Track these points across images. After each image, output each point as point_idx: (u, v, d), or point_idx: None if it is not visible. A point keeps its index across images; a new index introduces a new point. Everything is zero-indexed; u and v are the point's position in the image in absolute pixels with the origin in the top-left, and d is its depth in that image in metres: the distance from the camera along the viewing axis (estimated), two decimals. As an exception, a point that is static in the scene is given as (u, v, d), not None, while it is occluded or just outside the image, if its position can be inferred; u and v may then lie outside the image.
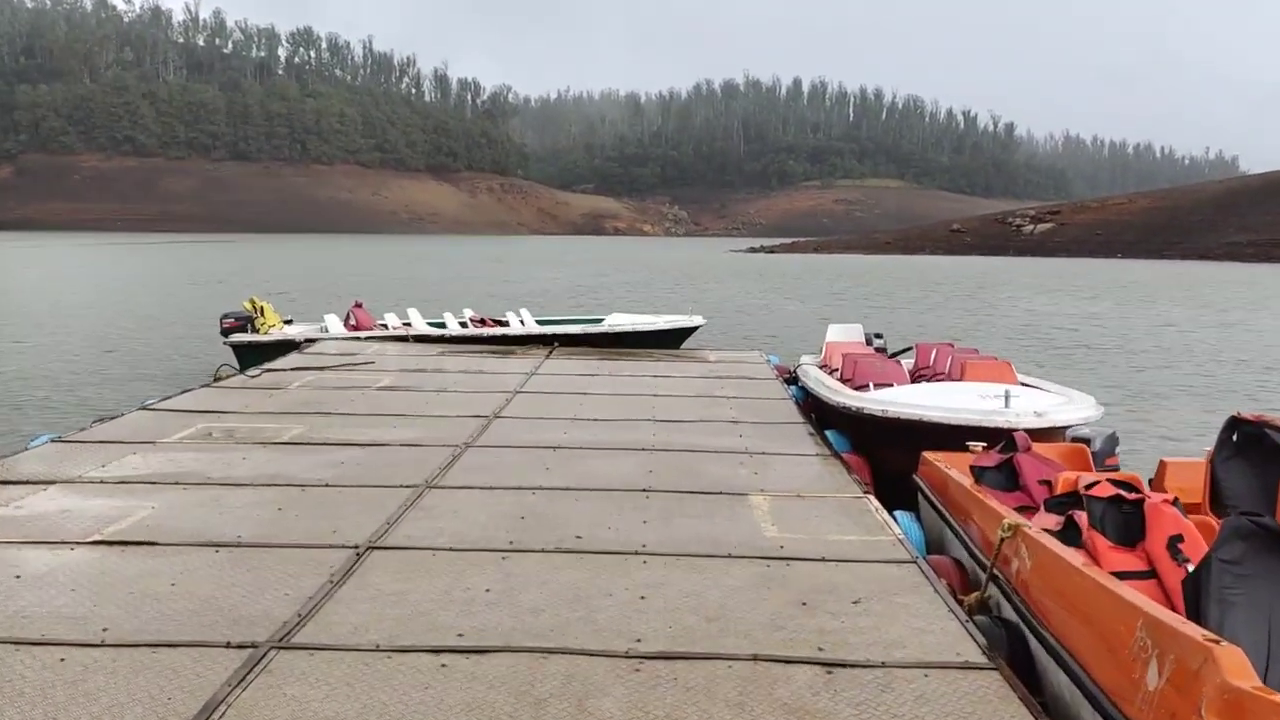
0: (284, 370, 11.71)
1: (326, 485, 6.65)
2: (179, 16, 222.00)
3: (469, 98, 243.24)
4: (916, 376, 10.30)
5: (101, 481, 6.59)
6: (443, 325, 15.84)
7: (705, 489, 6.76)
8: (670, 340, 15.71)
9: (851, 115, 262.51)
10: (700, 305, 22.07)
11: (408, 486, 6.65)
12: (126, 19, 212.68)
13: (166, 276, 47.85)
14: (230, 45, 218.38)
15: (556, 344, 14.81)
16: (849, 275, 56.90)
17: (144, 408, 9.25)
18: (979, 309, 33.87)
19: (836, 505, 6.45)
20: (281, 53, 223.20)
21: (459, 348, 14.51)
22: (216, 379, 11.01)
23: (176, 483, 6.59)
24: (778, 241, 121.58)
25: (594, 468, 7.30)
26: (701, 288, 43.76)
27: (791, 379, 11.90)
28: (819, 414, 9.87)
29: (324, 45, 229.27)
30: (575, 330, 15.72)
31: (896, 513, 6.42)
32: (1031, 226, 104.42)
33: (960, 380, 9.21)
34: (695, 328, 16.43)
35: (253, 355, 14.42)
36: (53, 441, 7.83)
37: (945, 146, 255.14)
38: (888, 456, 7.98)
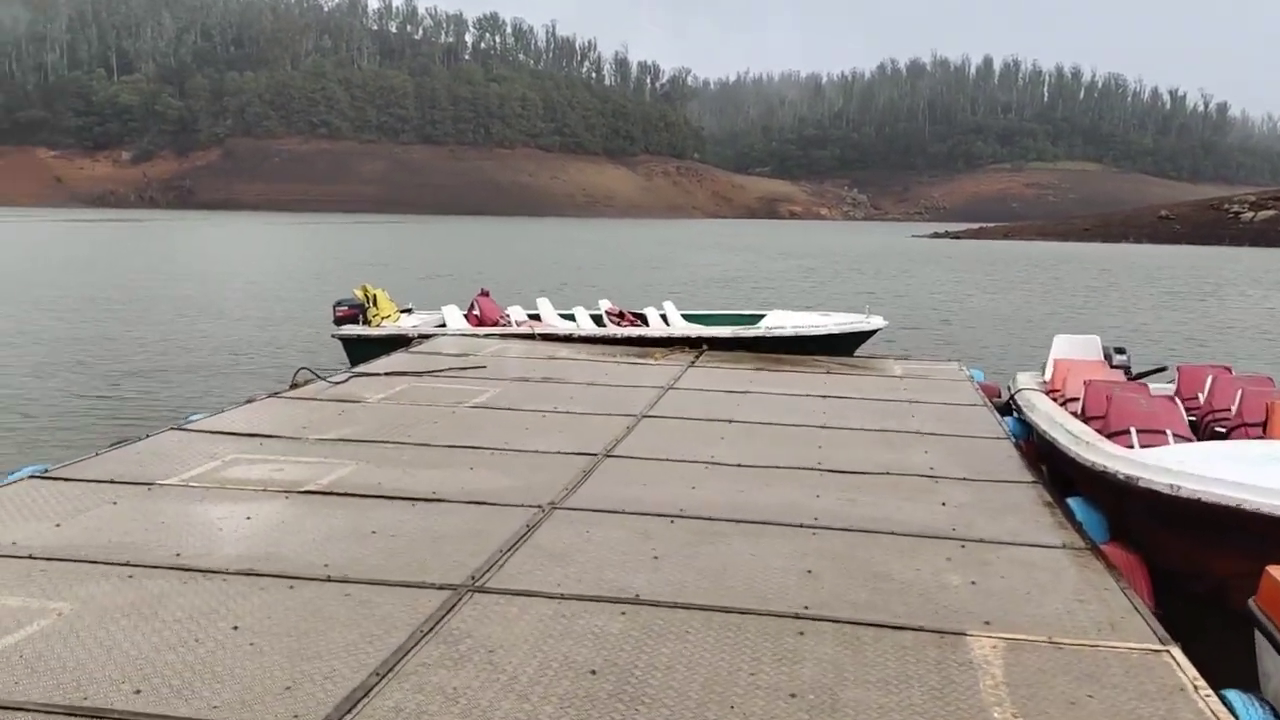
0: (375, 375, 9.78)
1: (326, 579, 4.51)
2: (374, 5, 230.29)
3: (648, 81, 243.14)
4: (1204, 424, 7.42)
5: (12, 557, 4.66)
6: (574, 319, 13.75)
7: (894, 616, 4.28)
8: (843, 345, 13.00)
9: (1046, 95, 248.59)
10: (879, 300, 19.39)
11: (443, 587, 4.44)
12: (326, 8, 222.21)
13: (335, 256, 47.96)
14: (420, 31, 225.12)
15: (705, 347, 12.39)
16: (1045, 265, 52.06)
17: (177, 427, 7.41)
18: (1215, 310, 29.12)
19: (1120, 667, 3.86)
20: (468, 38, 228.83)
21: (589, 348, 12.31)
22: (293, 385, 9.15)
23: (103, 562, 4.59)
24: (963, 227, 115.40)
25: (725, 561, 4.91)
26: (881, 278, 40.31)
27: (1004, 406, 9.15)
28: (1051, 464, 7.17)
29: (509, 30, 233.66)
30: (726, 332, 13.13)
31: (1230, 694, 3.77)
32: (1251, 214, 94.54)
33: (1272, 434, 6.38)
34: (874, 331, 13.65)
35: (361, 349, 12.69)
36: (32, 478, 6.04)
37: (1149, 128, 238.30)
38: (1182, 557, 5.29)
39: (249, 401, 8.48)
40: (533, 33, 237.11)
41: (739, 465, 6.75)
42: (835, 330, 13.12)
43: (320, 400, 8.54)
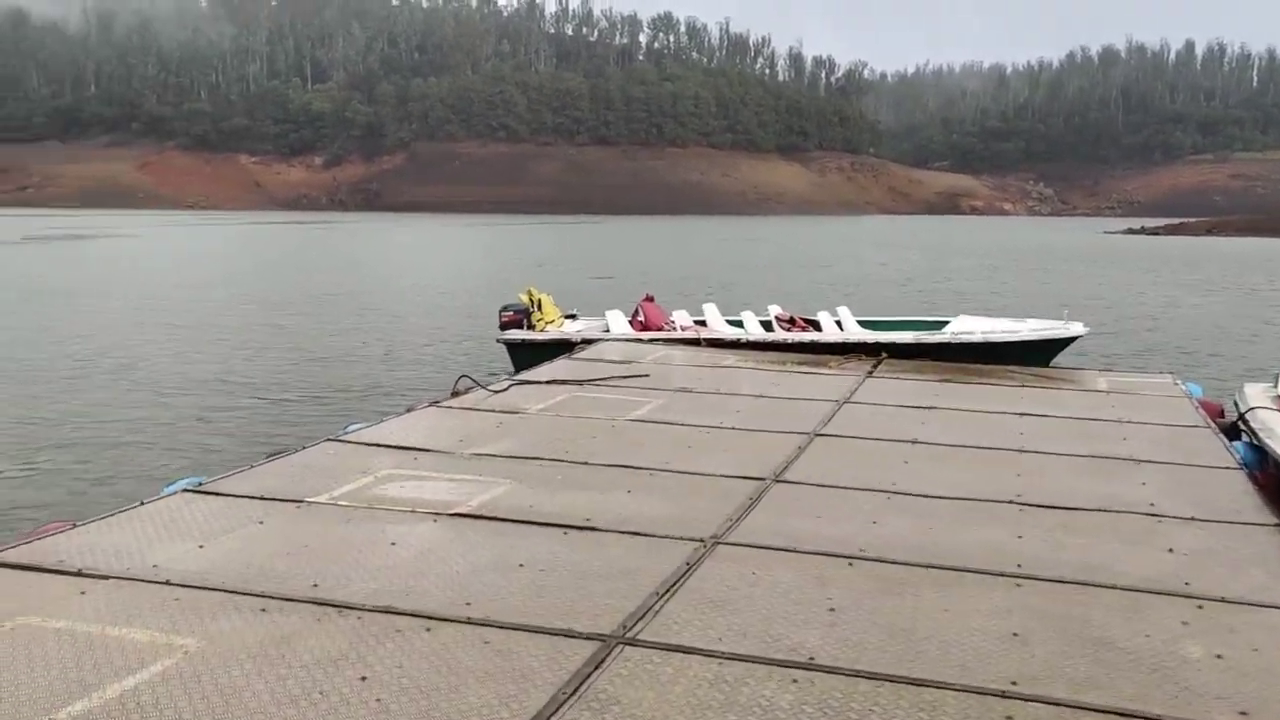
0: (536, 384, 9.46)
1: (467, 620, 4.11)
2: (551, 8, 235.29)
3: (823, 75, 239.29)
4: None
5: (150, 582, 4.46)
6: (741, 324, 13.14)
7: (1124, 698, 3.53)
8: (1038, 355, 11.90)
9: (1255, 80, 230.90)
10: (1074, 303, 17.89)
11: (591, 637, 3.97)
12: (505, 13, 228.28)
13: (505, 257, 48.81)
14: (596, 34, 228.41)
15: (884, 355, 11.58)
16: (1258, 264, 48.01)
17: (334, 439, 7.24)
18: None
19: None
20: (642, 38, 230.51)
21: (757, 356, 11.68)
22: (454, 394, 8.93)
23: (239, 591, 4.32)
24: (1161, 222, 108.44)
25: (914, 618, 4.25)
26: (1073, 279, 37.84)
27: (1231, 428, 8.04)
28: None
29: (682, 29, 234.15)
30: (908, 338, 12.23)
31: None
32: None
33: None
34: (1073, 338, 12.46)
35: (525, 355, 12.48)
36: (185, 491, 5.93)
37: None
38: None
39: (408, 411, 8.29)
40: (706, 31, 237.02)
41: (925, 496, 6.04)
42: (1030, 337, 12.00)
43: (479, 410, 8.27)
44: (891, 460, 6.88)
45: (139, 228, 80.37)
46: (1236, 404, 8.32)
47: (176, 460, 9.47)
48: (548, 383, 9.43)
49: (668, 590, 4.47)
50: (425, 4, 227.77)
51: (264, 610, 4.19)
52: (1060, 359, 12.31)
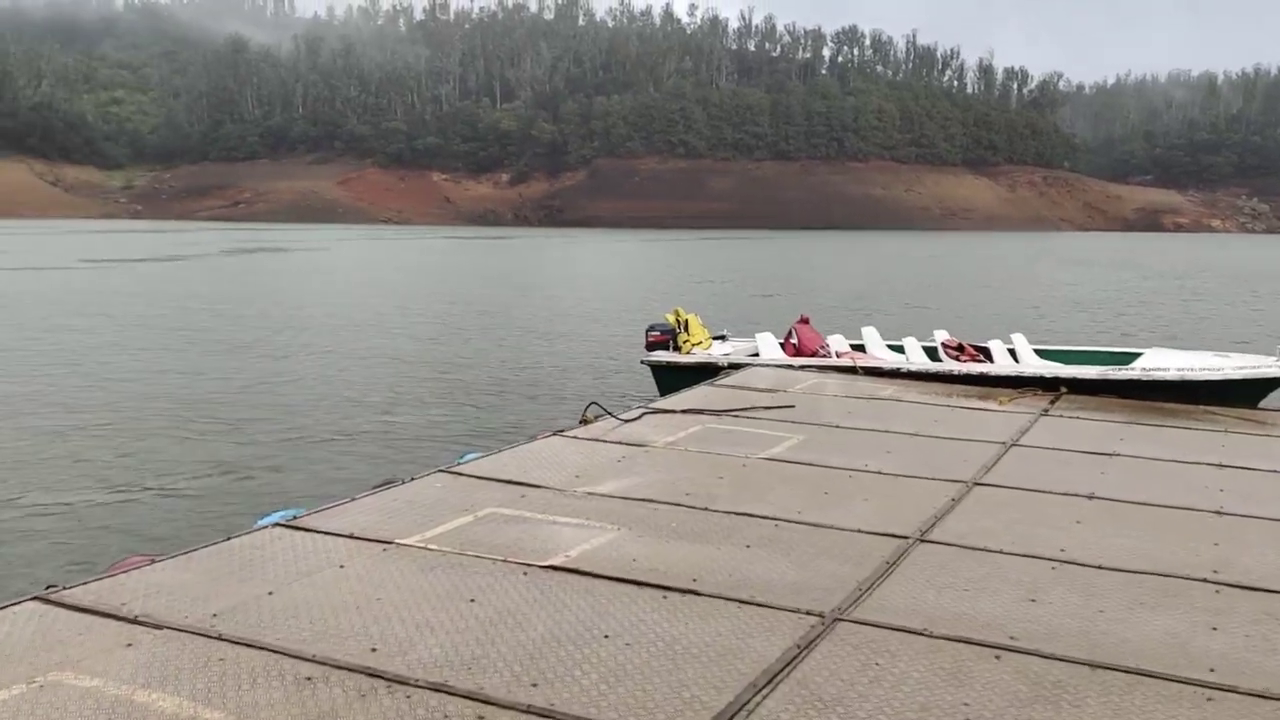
0: (670, 413, 8.86)
1: (525, 708, 3.55)
2: (734, 24, 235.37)
3: (1015, 87, 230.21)
4: None
5: (201, 635, 4.08)
6: (902, 350, 12.15)
7: None
8: (1243, 395, 10.38)
9: None
10: None
11: (663, 738, 3.34)
12: (688, 30, 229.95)
13: (670, 272, 48.50)
14: (779, 48, 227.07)
15: (1063, 391, 10.39)
16: None
17: (446, 469, 6.85)
18: None
19: None
20: (826, 52, 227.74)
21: (919, 387, 10.70)
22: (582, 421, 8.45)
23: (291, 654, 3.88)
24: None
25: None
26: None
27: None
28: None
29: (867, 42, 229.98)
30: (1091, 372, 10.82)
31: None
32: None
33: None
34: None
35: (670, 377, 11.92)
36: (277, 525, 5.62)
37: None
38: None
39: (530, 440, 7.84)
40: (892, 43, 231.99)
41: (1098, 568, 5.10)
42: (1234, 375, 10.41)
43: (604, 442, 7.74)
44: (1061, 519, 5.94)
45: (332, 241, 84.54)
46: None
47: (294, 483, 9.36)
48: (682, 412, 8.82)
49: (769, 682, 3.78)
50: (610, 23, 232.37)
51: (309, 679, 3.74)
52: (1270, 400, 10.76)
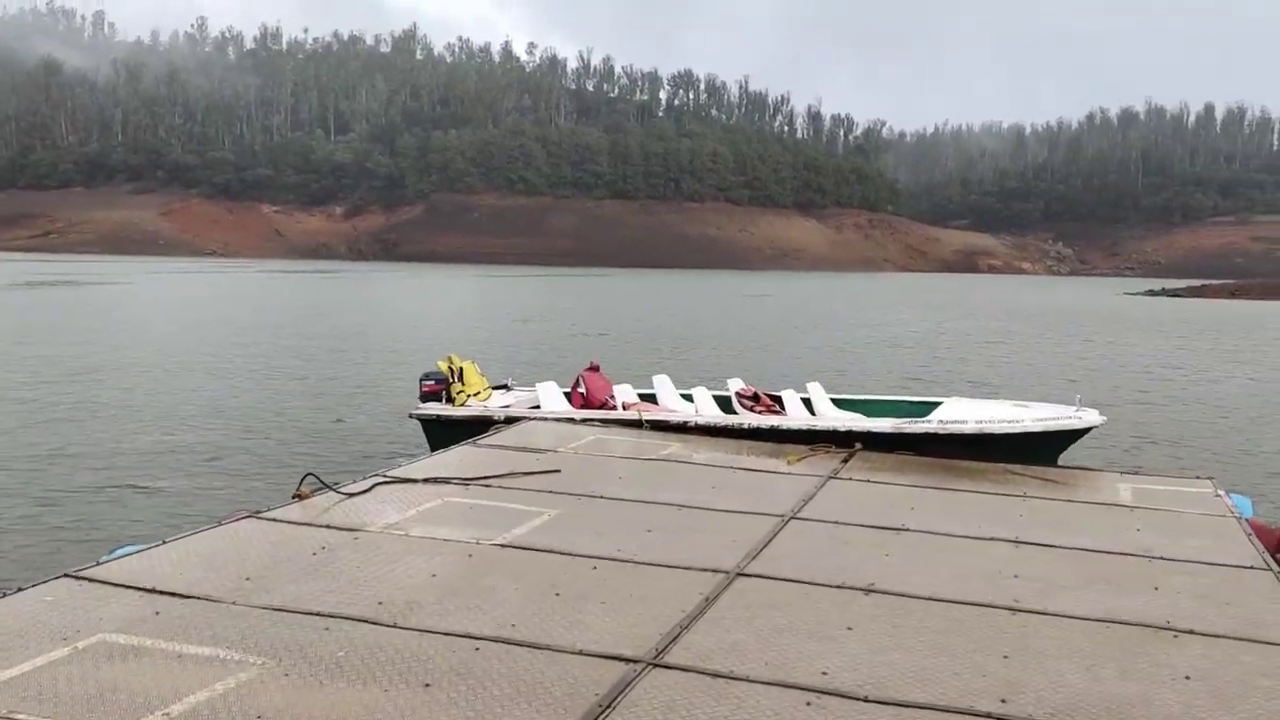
0: (410, 482, 7.53)
1: None
2: (573, 64, 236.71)
3: (841, 133, 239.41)
4: None
5: None
6: (692, 400, 11.19)
7: None
8: (1043, 450, 9.77)
9: (1276, 143, 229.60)
10: (1091, 377, 15.77)
11: None
12: (528, 68, 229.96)
13: (497, 309, 47.08)
14: (616, 89, 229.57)
15: (858, 446, 9.63)
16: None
17: (72, 573, 5.32)
18: None
19: None
20: (663, 95, 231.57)
21: (708, 445, 9.72)
22: (297, 496, 7.03)
23: None
24: (1183, 284, 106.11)
25: None
26: (1091, 345, 35.31)
27: (1296, 567, 6.05)
28: None
29: (702, 86, 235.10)
30: (886, 426, 10.05)
31: None
32: None
33: None
34: (1086, 430, 10.24)
35: (442, 433, 10.63)
36: None
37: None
38: None
39: (216, 525, 6.38)
40: (726, 88, 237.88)
41: (865, 700, 4.07)
42: (1034, 428, 9.78)
43: (309, 526, 6.36)
44: (831, 624, 4.93)
45: (140, 274, 79.42)
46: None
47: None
48: (424, 481, 7.52)
49: None
50: (449, 59, 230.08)
51: None
52: (1074, 454, 10.24)
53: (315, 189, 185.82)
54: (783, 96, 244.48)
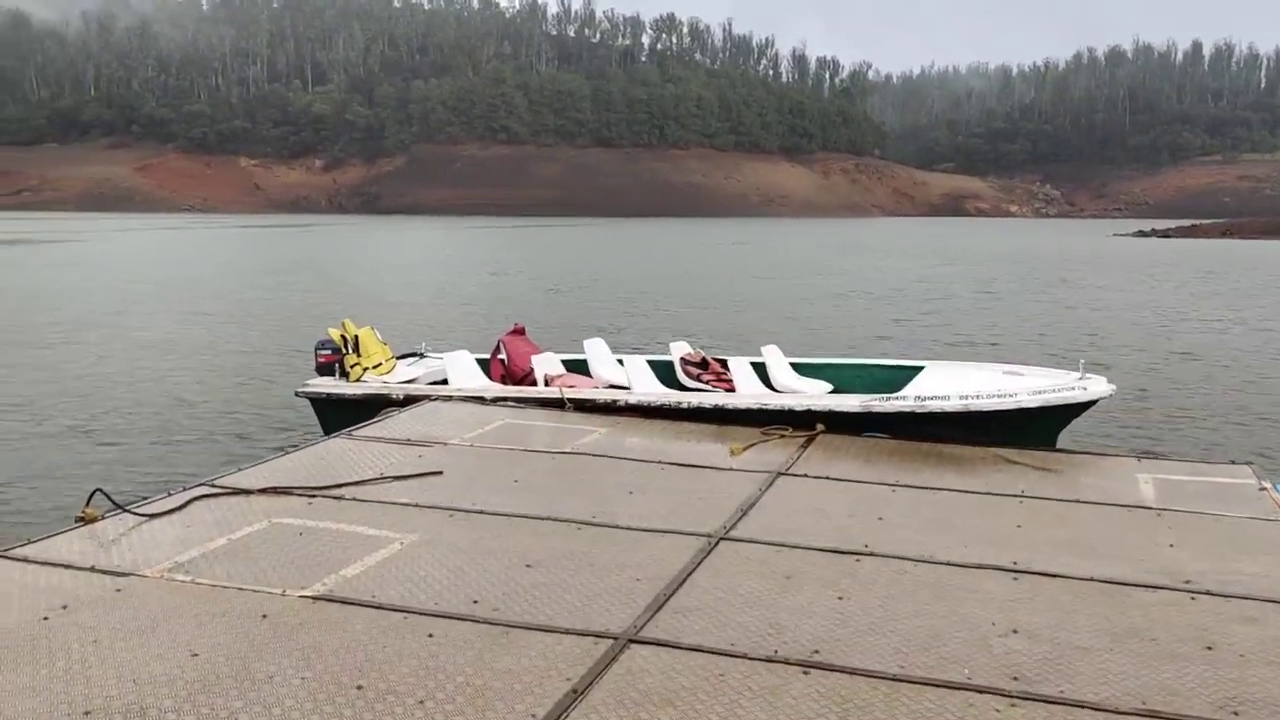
0: (245, 494, 5.91)
1: None
2: (553, 9, 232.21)
3: (827, 77, 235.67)
4: None
5: None
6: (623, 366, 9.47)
7: None
8: (1041, 428, 8.11)
9: (1264, 81, 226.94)
10: (1095, 340, 13.77)
11: None
12: (507, 14, 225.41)
13: (467, 263, 45.13)
14: (598, 35, 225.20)
15: (819, 429, 7.99)
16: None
17: None
18: None
19: None
20: (645, 40, 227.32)
21: (636, 427, 8.10)
22: (81, 519, 5.40)
23: None
24: (1172, 224, 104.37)
25: None
26: (1082, 291, 32.67)
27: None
28: None
29: (685, 30, 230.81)
30: (853, 404, 8.24)
31: None
32: None
33: None
34: (1091, 403, 8.37)
35: (334, 414, 9.00)
36: None
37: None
38: None
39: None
40: (709, 32, 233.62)
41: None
42: (1030, 403, 7.95)
43: (66, 569, 4.73)
44: (776, 678, 3.36)
45: (109, 232, 77.02)
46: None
47: None
48: (260, 492, 5.89)
49: None
50: (427, 5, 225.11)
51: None
52: (1076, 431, 8.58)
53: (294, 141, 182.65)
54: (767, 39, 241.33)
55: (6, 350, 17.19)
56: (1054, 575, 4.88)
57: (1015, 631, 4.19)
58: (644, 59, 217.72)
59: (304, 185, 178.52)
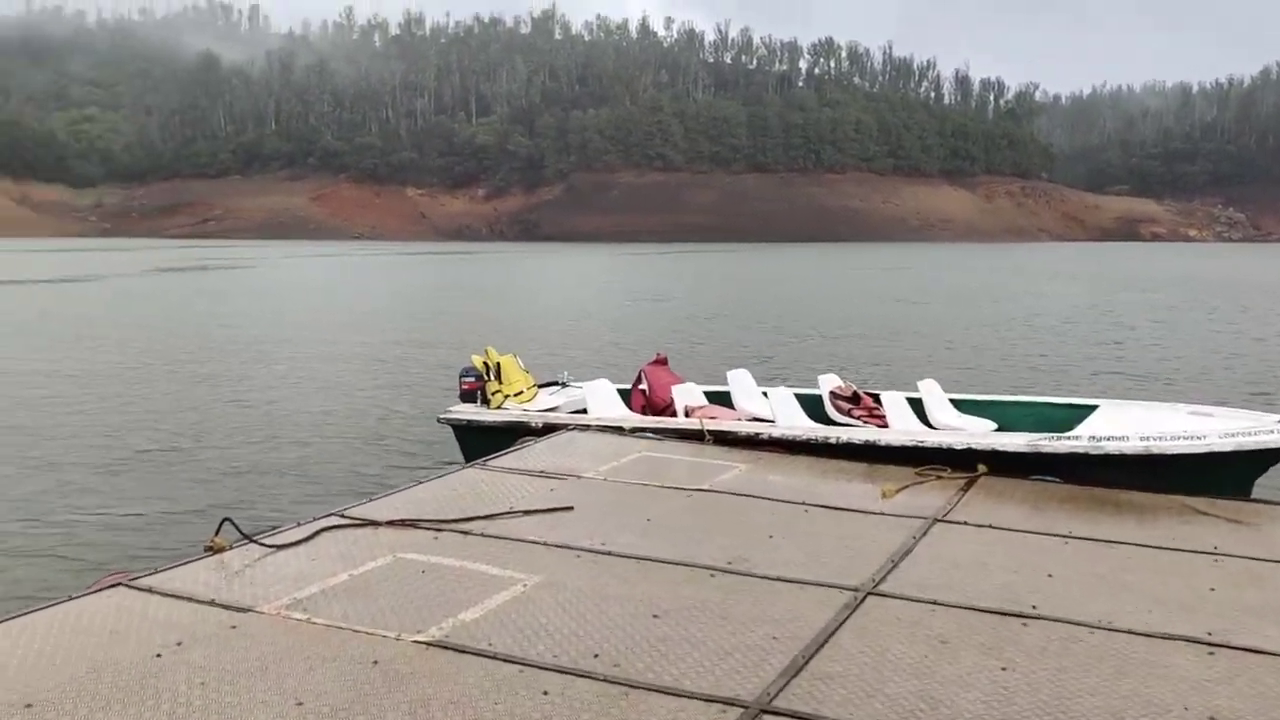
0: (372, 525, 5.79)
1: None
2: (710, 37, 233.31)
3: (991, 98, 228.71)
4: None
5: None
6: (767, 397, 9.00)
7: None
8: (1233, 475, 7.20)
9: None
10: None
11: None
12: (665, 44, 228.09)
13: (618, 288, 45.33)
14: (755, 61, 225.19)
15: (981, 470, 7.31)
16: None
17: None
18: None
19: None
20: (802, 64, 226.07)
21: (782, 465, 7.64)
22: (209, 550, 5.37)
23: None
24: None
25: None
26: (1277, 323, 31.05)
27: None
28: None
29: (844, 54, 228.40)
30: (1020, 442, 7.59)
31: None
32: None
33: None
34: None
35: (475, 441, 8.89)
36: None
37: None
38: None
39: (81, 594, 4.74)
40: (869, 55, 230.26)
41: None
42: (1222, 446, 7.04)
43: (188, 602, 4.65)
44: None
45: (280, 258, 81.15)
46: None
47: None
48: (388, 524, 5.75)
49: None
50: (587, 37, 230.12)
51: None
52: (1269, 480, 7.66)
53: (458, 171, 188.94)
54: (929, 61, 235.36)
55: (164, 377, 18.00)
56: (1256, 651, 4.22)
57: (1210, 680, 3.60)
58: (801, 84, 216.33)
59: (467, 214, 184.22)
